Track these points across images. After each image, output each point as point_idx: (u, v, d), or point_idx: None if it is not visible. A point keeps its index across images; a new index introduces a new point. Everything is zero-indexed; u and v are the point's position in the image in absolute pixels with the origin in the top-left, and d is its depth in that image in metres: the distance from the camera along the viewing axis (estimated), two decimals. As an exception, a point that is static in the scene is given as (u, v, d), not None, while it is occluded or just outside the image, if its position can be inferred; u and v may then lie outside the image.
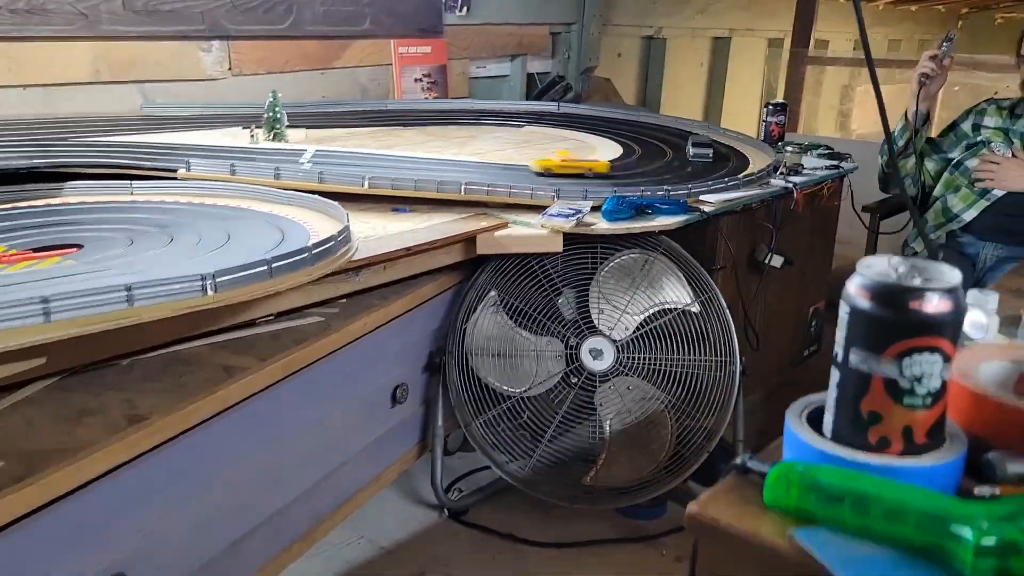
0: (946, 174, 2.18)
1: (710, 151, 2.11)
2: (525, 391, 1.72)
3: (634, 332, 1.71)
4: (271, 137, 2.01)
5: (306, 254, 1.19)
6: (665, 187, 1.77)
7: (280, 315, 1.45)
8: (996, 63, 3.15)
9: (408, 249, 1.48)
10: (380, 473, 1.65)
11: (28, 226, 1.40)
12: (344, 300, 1.56)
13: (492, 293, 1.71)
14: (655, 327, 1.72)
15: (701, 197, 1.79)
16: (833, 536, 0.53)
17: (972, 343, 0.84)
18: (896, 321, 0.56)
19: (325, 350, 1.43)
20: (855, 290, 0.58)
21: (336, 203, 1.46)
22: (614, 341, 1.71)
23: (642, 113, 2.97)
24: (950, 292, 0.56)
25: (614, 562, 1.65)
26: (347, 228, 1.36)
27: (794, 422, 0.62)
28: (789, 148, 2.38)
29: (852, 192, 2.41)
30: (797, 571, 0.52)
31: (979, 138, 2.14)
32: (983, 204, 2.07)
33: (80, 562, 1.05)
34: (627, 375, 1.72)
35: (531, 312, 1.74)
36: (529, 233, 1.64)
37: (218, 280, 1.03)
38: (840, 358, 0.60)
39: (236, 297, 1.06)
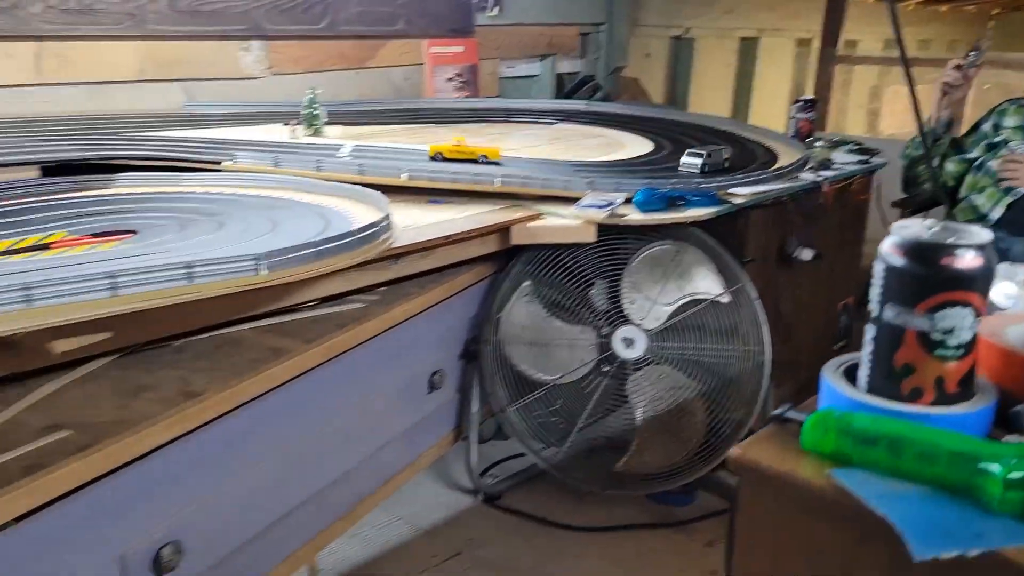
0: (969, 176, 2.19)
1: (699, 161, 1.96)
2: (558, 379, 1.75)
3: (665, 322, 1.74)
4: (310, 133, 2.07)
5: (352, 238, 1.23)
6: (695, 180, 1.80)
7: (323, 301, 1.50)
8: (1027, 62, 3.15)
9: (447, 237, 1.52)
10: (417, 457, 1.69)
11: (85, 213, 1.46)
12: (383, 288, 1.61)
13: (526, 283, 1.75)
14: (686, 317, 1.75)
15: (731, 190, 1.82)
16: (869, 476, 0.56)
17: (1002, 311, 0.87)
18: (929, 276, 0.60)
19: (365, 335, 1.47)
20: (890, 248, 0.61)
21: (377, 192, 1.51)
22: (646, 330, 1.74)
23: (670, 111, 2.99)
24: (980, 249, 0.59)
25: (646, 547, 1.68)
26: (388, 215, 1.41)
27: (831, 375, 0.65)
28: (819, 143, 2.39)
29: (881, 190, 2.42)
30: (834, 507, 0.55)
31: (998, 138, 2.15)
32: (1008, 200, 2.08)
33: (139, 528, 1.10)
34: (658, 364, 1.75)
35: (564, 302, 1.77)
36: (563, 224, 1.68)
37: (271, 260, 1.07)
38: (875, 314, 0.63)
39: (287, 276, 1.11)
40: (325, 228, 1.40)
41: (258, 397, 1.26)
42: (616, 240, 1.75)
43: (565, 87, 3.21)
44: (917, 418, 0.60)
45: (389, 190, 1.69)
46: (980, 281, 0.60)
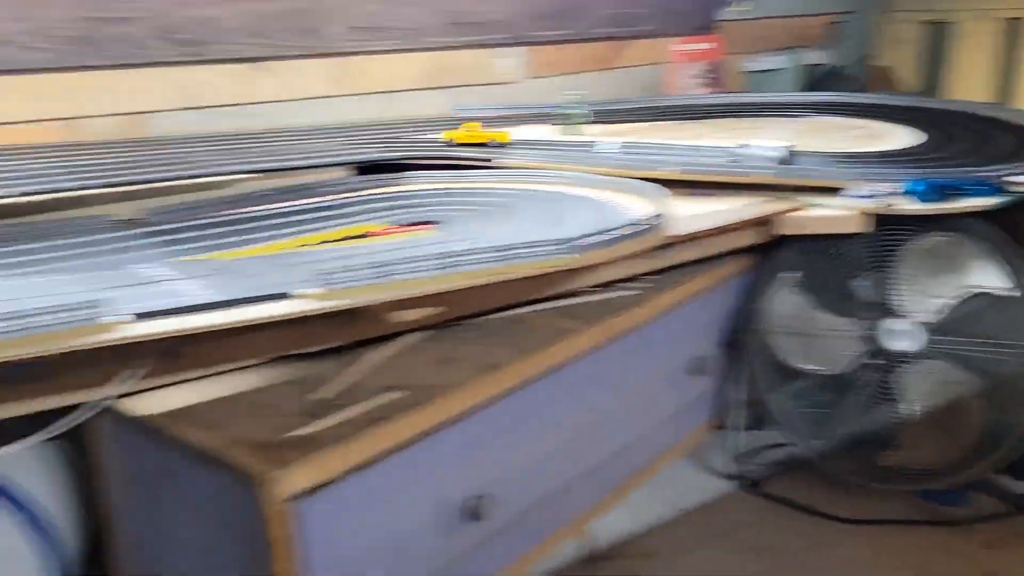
0: None
1: None
2: (823, 370, 1.75)
3: (939, 316, 1.69)
4: (574, 132, 2.19)
5: (643, 226, 1.32)
6: (974, 168, 1.74)
7: (599, 287, 1.60)
8: None
9: (720, 228, 1.58)
10: (680, 440, 1.76)
11: (390, 207, 1.65)
12: (653, 276, 1.69)
13: (790, 273, 1.77)
14: (962, 312, 1.68)
15: (1013, 179, 1.73)
16: None
17: None
18: None
19: (640, 319, 1.56)
20: None
21: (656, 185, 1.59)
22: (917, 324, 1.70)
23: (927, 99, 2.85)
24: None
25: (916, 542, 1.64)
26: (667, 207, 1.48)
27: None
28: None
29: None
30: None
31: None
32: None
33: (456, 479, 1.25)
34: (929, 359, 1.70)
35: (829, 293, 1.77)
36: (831, 215, 1.68)
37: (579, 244, 1.18)
38: None
39: (592, 260, 1.21)
40: (606, 219, 1.50)
41: (549, 372, 1.39)
42: (885, 231, 1.72)
43: (812, 79, 3.14)
44: None
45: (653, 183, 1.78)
46: None
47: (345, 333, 1.29)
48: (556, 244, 1.17)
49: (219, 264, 1.25)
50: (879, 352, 1.72)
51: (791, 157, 1.82)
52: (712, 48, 2.88)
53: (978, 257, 1.69)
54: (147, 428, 1.15)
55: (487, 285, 1.22)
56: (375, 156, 1.86)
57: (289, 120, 2.15)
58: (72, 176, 1.59)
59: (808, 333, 1.75)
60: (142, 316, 0.91)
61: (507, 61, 2.57)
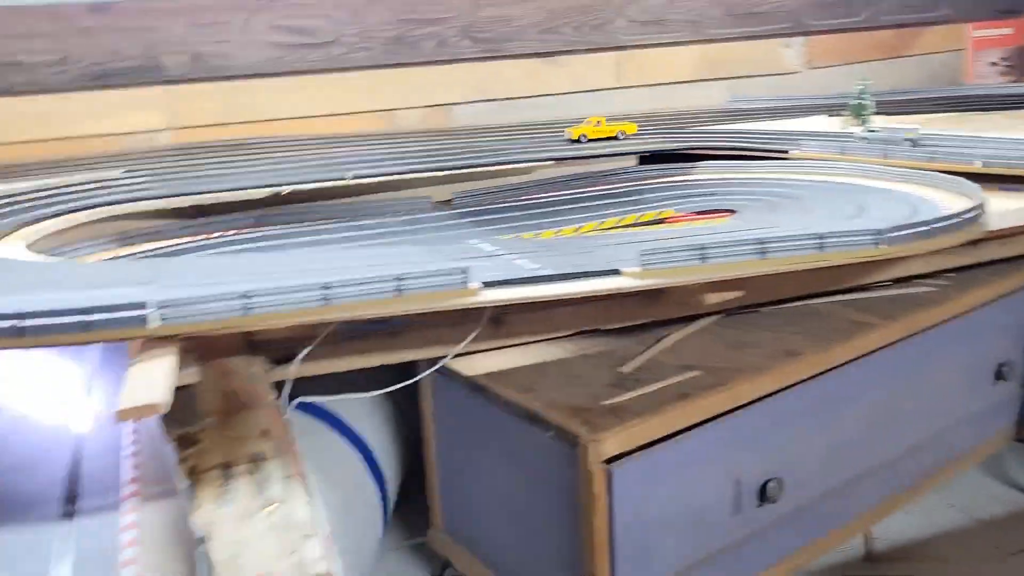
0: None
1: None
2: None
3: None
4: (859, 123, 2.12)
5: (960, 220, 1.27)
6: None
7: (894, 282, 1.56)
8: None
9: (1040, 224, 1.48)
10: (976, 446, 1.67)
11: (683, 195, 1.71)
12: (951, 273, 1.62)
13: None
14: None
15: None
16: None
17: None
18: None
19: (939, 317, 1.51)
20: None
21: (964, 179, 1.52)
22: None
23: None
24: None
25: None
26: (983, 201, 1.41)
27: None
28: None
29: None
30: None
31: None
32: None
33: (751, 460, 1.28)
34: None
35: None
36: None
37: (890, 235, 1.17)
38: None
39: (901, 252, 1.19)
40: (913, 212, 1.45)
41: (846, 363, 1.38)
42: None
43: None
44: None
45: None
46: None
47: (647, 312, 1.37)
48: (871, 234, 1.16)
49: (540, 242, 1.36)
50: None
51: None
52: (1015, 33, 2.65)
53: None
54: (473, 386, 1.29)
55: (787, 273, 1.24)
56: (665, 146, 1.92)
57: (572, 111, 2.26)
58: (392, 162, 1.78)
59: None
60: (491, 284, 1.03)
61: (786, 51, 2.53)
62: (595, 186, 1.81)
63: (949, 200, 1.51)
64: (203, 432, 0.88)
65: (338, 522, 1.25)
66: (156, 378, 0.77)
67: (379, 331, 1.20)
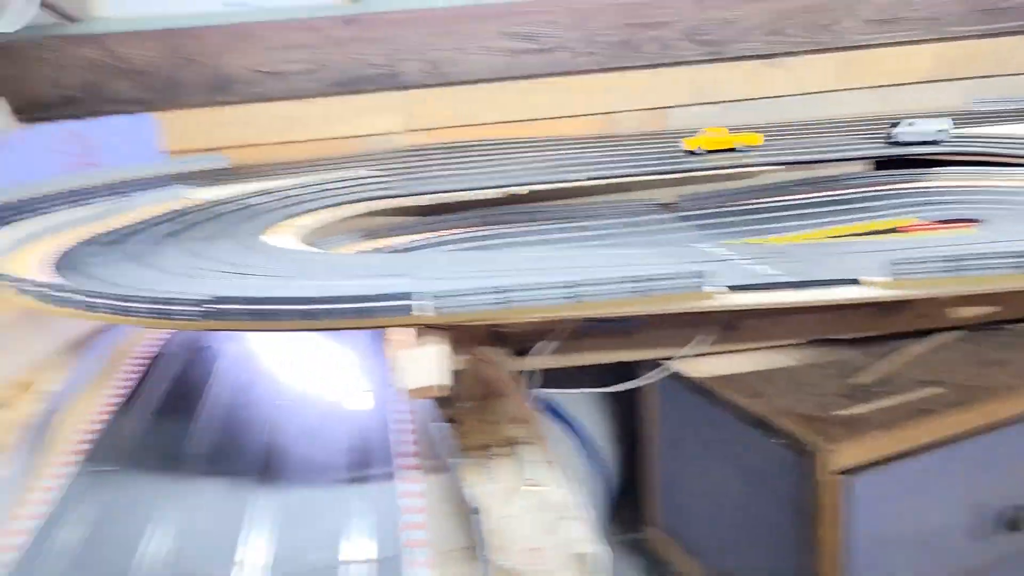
0: None
1: None
2: None
3: None
4: (1125, 126, 1.94)
5: None
6: None
7: None
8: None
9: None
10: None
11: (922, 203, 1.63)
12: None
13: None
14: None
15: None
16: None
17: None
18: None
19: None
20: None
21: None
22: None
23: None
24: None
25: None
26: None
27: None
28: None
29: None
30: None
31: None
32: None
33: (991, 486, 1.22)
34: None
35: None
36: None
37: None
38: None
39: None
40: None
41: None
42: None
43: None
44: None
45: None
46: None
47: (884, 323, 1.33)
48: None
49: (774, 248, 1.35)
50: None
51: None
52: None
53: None
54: (700, 389, 1.31)
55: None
56: (906, 151, 1.83)
57: (793, 114, 2.20)
58: (614, 164, 1.82)
59: None
60: (734, 288, 1.04)
61: (1037, 49, 2.34)
62: (827, 191, 1.76)
63: None
64: (464, 415, 0.96)
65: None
66: (434, 362, 0.85)
67: (615, 330, 1.24)
